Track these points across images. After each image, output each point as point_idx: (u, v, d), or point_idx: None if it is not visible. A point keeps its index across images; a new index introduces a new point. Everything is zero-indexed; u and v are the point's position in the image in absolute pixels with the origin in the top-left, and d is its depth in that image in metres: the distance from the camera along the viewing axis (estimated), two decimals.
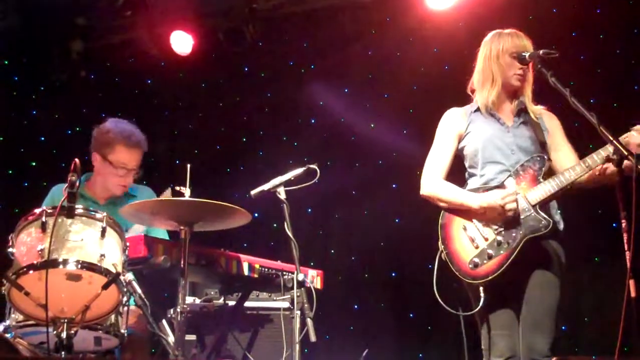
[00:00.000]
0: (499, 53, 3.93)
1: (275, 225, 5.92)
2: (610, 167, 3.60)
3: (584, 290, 6.15)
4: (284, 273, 4.33)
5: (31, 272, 3.29)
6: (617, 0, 6.27)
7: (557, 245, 3.83)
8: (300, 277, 3.88)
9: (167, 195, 4.02)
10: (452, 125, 4.06)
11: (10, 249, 3.41)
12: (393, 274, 7.12)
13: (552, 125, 4.01)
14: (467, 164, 4.04)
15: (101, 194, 4.55)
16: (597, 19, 6.42)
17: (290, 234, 3.92)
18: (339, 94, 7.31)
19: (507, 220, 3.76)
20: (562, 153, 3.96)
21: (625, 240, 3.10)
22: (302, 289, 3.87)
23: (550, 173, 3.86)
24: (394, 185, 7.17)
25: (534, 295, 3.75)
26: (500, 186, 3.84)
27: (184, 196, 3.76)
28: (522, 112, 3.98)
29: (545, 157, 3.84)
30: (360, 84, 7.26)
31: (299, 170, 4.09)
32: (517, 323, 3.75)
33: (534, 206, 3.73)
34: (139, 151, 4.52)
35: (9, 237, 3.45)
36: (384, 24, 7.01)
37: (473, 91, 4.10)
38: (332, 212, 7.32)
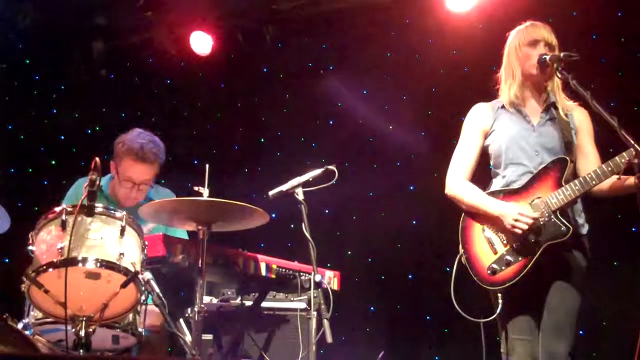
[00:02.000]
0: (517, 47, 3.91)
1: (292, 226, 5.91)
2: (629, 180, 3.55)
3: (603, 294, 6.10)
4: (301, 274, 4.33)
5: (51, 270, 3.31)
6: (638, 3, 6.22)
7: (579, 254, 3.77)
8: (318, 278, 3.88)
9: None
10: (477, 122, 4.01)
11: (30, 247, 3.43)
12: (410, 276, 7.09)
13: (581, 124, 3.92)
14: (491, 163, 4.00)
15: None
16: (617, 22, 6.37)
17: (307, 234, 3.92)
18: (358, 95, 7.30)
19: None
20: (586, 157, 3.88)
21: None
22: (319, 289, 3.86)
23: (574, 175, 3.80)
24: (411, 187, 7.16)
25: (555, 302, 3.71)
26: (523, 190, 3.78)
27: (203, 196, 3.78)
28: (550, 107, 3.90)
29: (569, 159, 3.76)
30: (378, 85, 7.25)
31: (317, 172, 4.09)
32: (537, 329, 3.72)
33: (554, 211, 3.67)
34: (147, 167, 4.43)
35: (29, 235, 3.47)
36: (403, 25, 6.99)
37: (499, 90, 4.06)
38: (349, 214, 7.31)
